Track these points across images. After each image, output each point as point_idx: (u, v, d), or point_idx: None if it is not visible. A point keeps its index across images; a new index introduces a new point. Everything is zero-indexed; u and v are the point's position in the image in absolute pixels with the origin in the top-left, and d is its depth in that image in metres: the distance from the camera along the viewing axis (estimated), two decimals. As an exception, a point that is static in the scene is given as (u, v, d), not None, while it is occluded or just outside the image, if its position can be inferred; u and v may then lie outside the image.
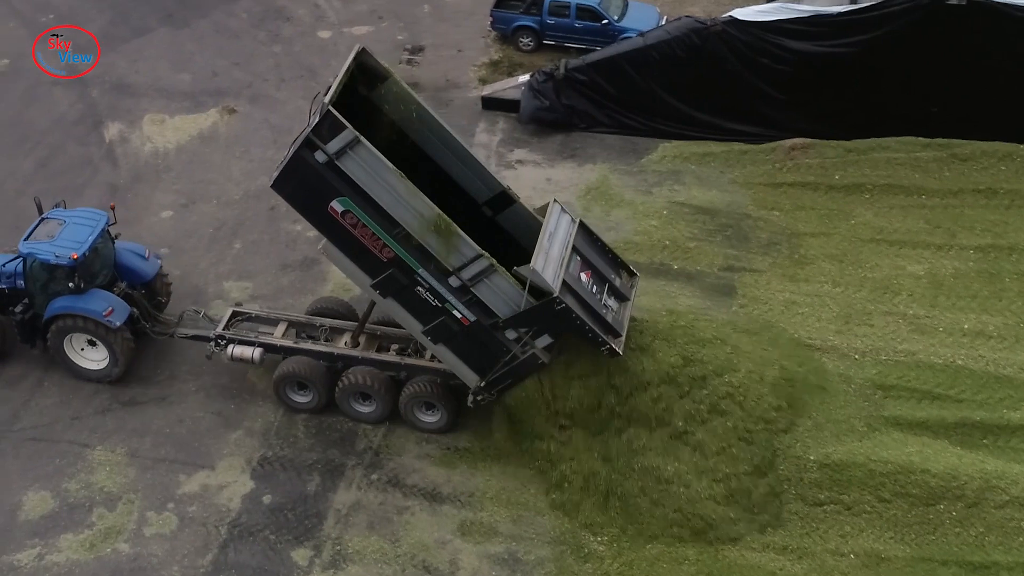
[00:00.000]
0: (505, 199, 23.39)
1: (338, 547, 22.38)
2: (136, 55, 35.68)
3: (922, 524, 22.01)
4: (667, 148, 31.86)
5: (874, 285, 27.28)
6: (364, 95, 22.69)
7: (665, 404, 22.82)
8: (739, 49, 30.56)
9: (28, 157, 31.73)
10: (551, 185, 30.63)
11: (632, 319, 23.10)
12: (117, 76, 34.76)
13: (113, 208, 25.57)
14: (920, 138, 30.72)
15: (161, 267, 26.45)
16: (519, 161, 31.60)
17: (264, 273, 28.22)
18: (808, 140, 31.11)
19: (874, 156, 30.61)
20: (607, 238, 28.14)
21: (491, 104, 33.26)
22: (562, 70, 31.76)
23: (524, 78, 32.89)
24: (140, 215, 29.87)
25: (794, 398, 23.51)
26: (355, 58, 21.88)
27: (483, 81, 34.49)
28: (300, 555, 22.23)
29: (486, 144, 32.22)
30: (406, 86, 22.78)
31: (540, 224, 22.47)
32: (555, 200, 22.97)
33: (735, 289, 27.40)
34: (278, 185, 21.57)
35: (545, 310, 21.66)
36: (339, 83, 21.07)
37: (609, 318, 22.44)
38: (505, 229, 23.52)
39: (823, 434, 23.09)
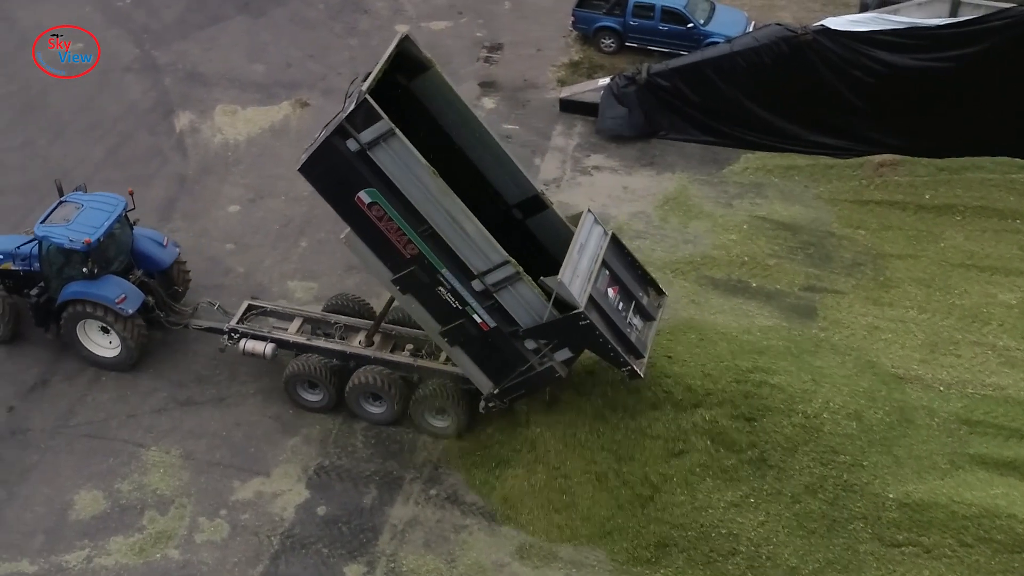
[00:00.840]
0: (538, 203, 22.64)
1: (392, 564, 21.66)
2: (211, 43, 35.21)
3: (1006, 573, 20.69)
4: (750, 159, 30.76)
5: (962, 313, 25.99)
6: (403, 84, 21.97)
7: (732, 432, 22.05)
8: (830, 60, 29.35)
9: (98, 144, 31.36)
10: (627, 193, 29.68)
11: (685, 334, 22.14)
12: (191, 64, 34.32)
13: (132, 193, 25.02)
14: (1017, 159, 29.35)
15: (179, 255, 25.93)
16: (595, 167, 30.65)
17: (329, 274, 27.56)
18: (898, 157, 29.86)
19: (967, 176, 29.28)
20: (684, 251, 27.57)
21: (569, 107, 32.32)
22: (644, 75, 30.76)
23: (604, 81, 31.92)
24: (207, 208, 29.39)
25: (873, 431, 22.41)
26: (397, 45, 21.04)
27: (562, 82, 33.55)
28: (353, 571, 21.54)
29: (562, 148, 31.32)
30: (447, 78, 21.92)
31: (571, 233, 21.78)
32: (589, 210, 22.19)
33: (815, 311, 26.27)
34: (306, 169, 20.82)
35: (568, 324, 20.95)
36: (379, 70, 20.27)
37: (633, 337, 21.69)
38: (534, 234, 22.82)
39: (903, 471, 21.93)
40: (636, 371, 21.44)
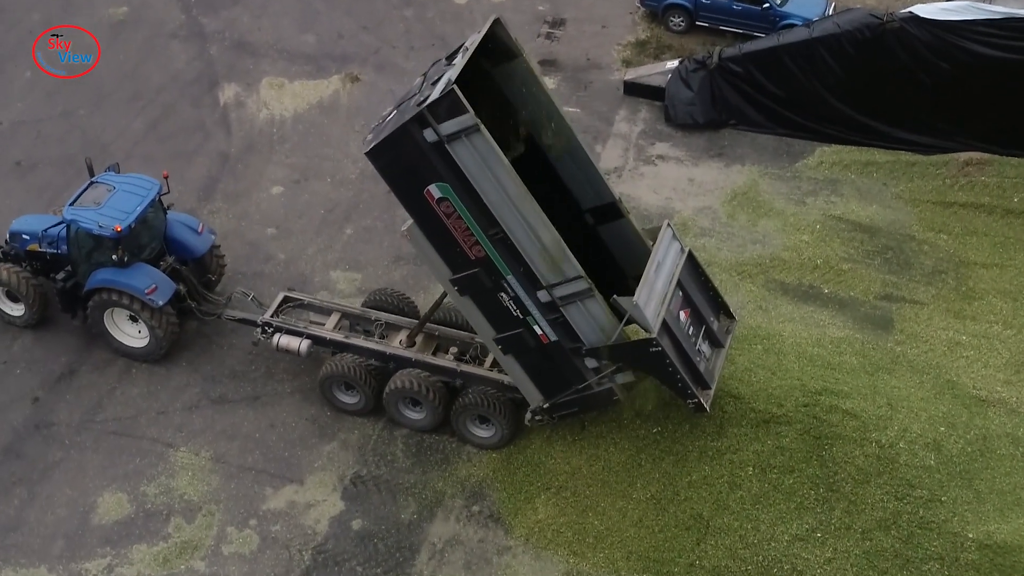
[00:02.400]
0: (613, 211, 21.08)
1: (430, 588, 20.37)
2: (261, 11, 33.56)
3: (1097, 627, 19.10)
4: (825, 153, 28.78)
5: (1053, 330, 24.09)
6: (487, 70, 20.32)
7: (799, 460, 20.60)
8: (917, 50, 27.26)
9: (139, 116, 29.97)
10: (693, 186, 27.89)
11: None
12: (239, 33, 32.72)
13: (167, 177, 23.71)
14: (1115, 163, 27.23)
15: (215, 242, 24.60)
16: (660, 156, 28.83)
17: (375, 265, 26.09)
18: (985, 155, 27.86)
19: (1061, 179, 27.24)
20: (752, 252, 25.91)
21: (634, 90, 30.46)
22: (715, 59, 28.85)
23: (672, 64, 30.00)
24: (249, 189, 27.98)
25: (953, 463, 20.72)
26: (488, 29, 19.43)
27: (627, 63, 31.61)
28: (388, 593, 20.28)
29: (625, 135, 29.52)
30: (535, 69, 20.30)
31: (642, 245, 20.41)
32: (668, 224, 20.56)
33: (892, 322, 24.52)
34: (375, 153, 19.22)
35: (638, 350, 19.54)
36: (468, 57, 18.68)
37: (702, 367, 20.23)
38: (605, 242, 21.34)
39: (985, 507, 20.24)
40: (703, 404, 19.98)
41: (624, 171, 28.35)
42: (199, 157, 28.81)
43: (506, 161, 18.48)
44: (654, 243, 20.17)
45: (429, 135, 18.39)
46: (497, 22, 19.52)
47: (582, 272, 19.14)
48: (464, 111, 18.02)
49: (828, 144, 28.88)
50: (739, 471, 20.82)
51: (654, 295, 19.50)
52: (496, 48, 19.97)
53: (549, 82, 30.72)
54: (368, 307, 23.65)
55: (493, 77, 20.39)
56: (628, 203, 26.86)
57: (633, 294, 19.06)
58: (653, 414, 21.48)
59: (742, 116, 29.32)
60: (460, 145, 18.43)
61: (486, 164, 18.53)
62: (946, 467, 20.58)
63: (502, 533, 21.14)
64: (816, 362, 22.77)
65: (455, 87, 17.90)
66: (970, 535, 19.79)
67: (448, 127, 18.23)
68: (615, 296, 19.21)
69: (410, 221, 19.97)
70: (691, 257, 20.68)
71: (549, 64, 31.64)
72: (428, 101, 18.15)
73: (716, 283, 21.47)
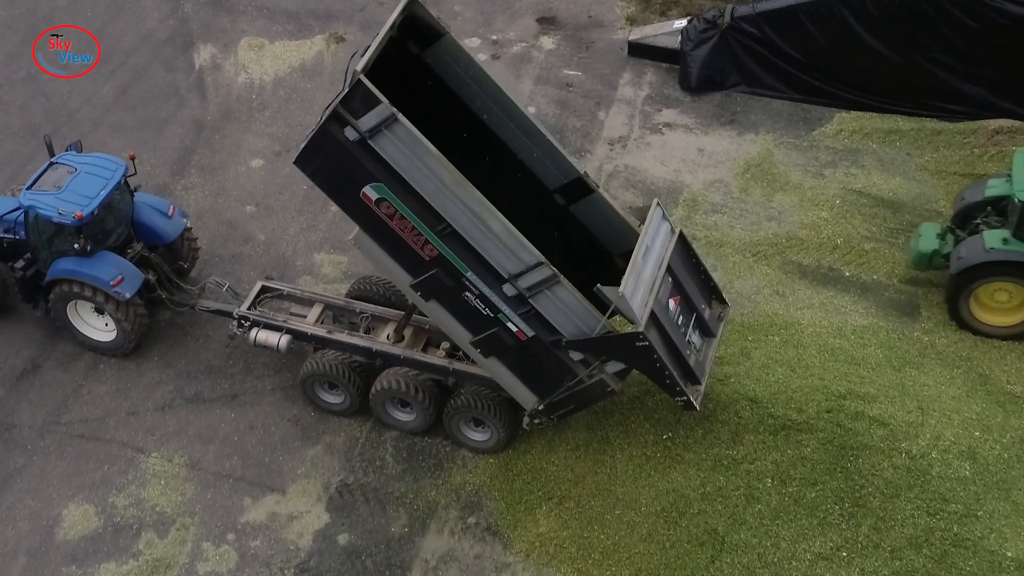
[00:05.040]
0: (581, 187, 19.46)
1: (423, 610, 18.81)
2: (240, -39, 31.42)
3: None
4: (845, 120, 26.77)
5: (1092, 315, 22.34)
6: (416, 54, 18.92)
7: (821, 473, 19.00)
8: (945, 9, 25.22)
9: (108, 81, 27.85)
10: (704, 157, 25.95)
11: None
12: (216, -13, 30.62)
13: (133, 158, 21.93)
14: None
15: (187, 226, 22.81)
16: (667, 124, 26.84)
17: (361, 247, 24.24)
18: (1016, 123, 25.83)
19: (1099, 149, 25.31)
20: (767, 230, 24.30)
21: (639, 51, 28.39)
22: (727, 19, 26.80)
23: (680, 24, 27.91)
24: (226, 162, 26.01)
25: (989, 472, 19.09)
26: (402, 11, 17.94)
27: (631, 21, 29.44)
28: (377, 617, 18.69)
29: (630, 100, 27.48)
30: (463, 46, 18.78)
31: (621, 219, 19.01)
32: (657, 203, 18.73)
33: (918, 309, 22.77)
34: (302, 162, 17.96)
35: (623, 344, 17.97)
36: (378, 44, 17.26)
37: (692, 361, 18.63)
38: (581, 222, 19.78)
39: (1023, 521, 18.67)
40: (692, 402, 18.42)
41: (629, 141, 26.39)
42: (172, 126, 26.81)
43: (434, 149, 17.05)
44: (642, 224, 18.47)
45: (350, 133, 17.17)
46: (412, 2, 18.00)
47: (542, 258, 17.57)
48: (378, 101, 16.73)
49: (847, 111, 26.88)
50: (757, 483, 19.17)
51: (641, 283, 17.81)
52: (421, 29, 18.53)
53: (548, 42, 29.03)
54: (353, 297, 21.86)
55: (425, 61, 18.96)
56: (634, 176, 25.36)
57: (621, 277, 17.47)
58: (663, 418, 19.90)
59: (755, 80, 27.33)
60: (383, 139, 17.13)
61: (414, 155, 17.18)
62: (982, 477, 18.95)
63: (500, 548, 19.53)
64: (838, 356, 21.09)
65: (362, 77, 16.64)
66: (1008, 553, 18.19)
67: (367, 121, 16.97)
68: (599, 286, 17.50)
69: (356, 229, 18.65)
70: (682, 238, 18.98)
71: (548, 22, 29.56)
72: (340, 96, 16.94)
73: (707, 266, 19.74)
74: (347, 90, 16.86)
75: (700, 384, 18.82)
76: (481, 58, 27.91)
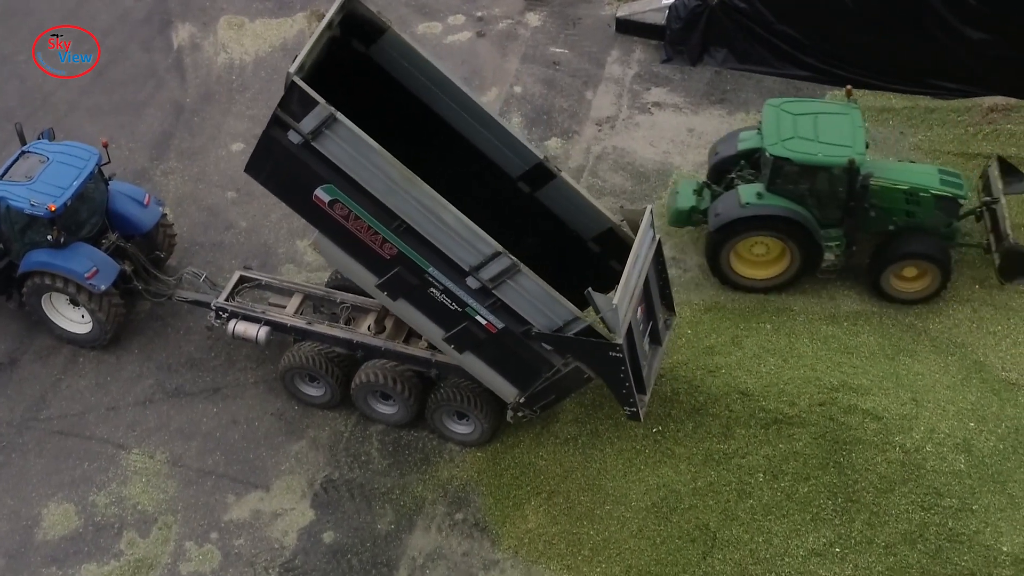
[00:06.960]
0: (543, 172, 19.20)
1: (410, 609, 18.51)
2: (218, -63, 30.71)
3: None
4: (837, 98, 26.08)
5: (1090, 298, 22.00)
6: (362, 52, 18.67)
7: (813, 467, 18.78)
8: (938, -16, 24.77)
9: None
10: (693, 138, 25.44)
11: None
12: (195, -37, 29.92)
13: (106, 145, 21.42)
14: None
15: (164, 215, 22.40)
16: (656, 103, 26.29)
17: (344, 233, 23.75)
18: (1012, 100, 25.31)
19: (1097, 127, 24.83)
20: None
21: (627, 27, 27.82)
22: (716, -7, 26.30)
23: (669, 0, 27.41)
24: (206, 145, 25.47)
25: (985, 464, 18.83)
26: (339, 9, 17.74)
27: (619, -4, 28.97)
28: (363, 617, 18.38)
29: (618, 79, 26.92)
30: (407, 40, 18.47)
31: (588, 202, 19.11)
32: (650, 209, 18.41)
33: (913, 294, 22.41)
34: (252, 169, 18.02)
35: (596, 349, 17.80)
36: (312, 44, 17.16)
37: (644, 371, 18.60)
38: (549, 209, 19.55)
39: (1020, 515, 18.39)
40: (639, 413, 18.41)
41: (618, 121, 25.86)
42: (150, 108, 26.24)
43: (377, 146, 16.88)
44: (636, 231, 18.24)
45: (294, 137, 17.04)
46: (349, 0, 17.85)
47: (500, 248, 17.36)
48: (315, 103, 16.54)
49: (839, 88, 26.38)
50: (748, 478, 18.92)
51: (627, 295, 17.60)
52: (363, 26, 18.28)
53: (534, 19, 28.45)
54: (333, 287, 21.41)
55: (371, 58, 18.70)
56: (622, 158, 24.87)
57: (596, 262, 17.55)
58: (653, 411, 19.56)
59: (746, 57, 26.81)
60: (326, 139, 17.01)
61: (359, 153, 17.04)
62: (977, 470, 18.70)
63: (488, 544, 19.22)
64: (831, 344, 20.77)
65: (296, 79, 16.48)
66: (1004, 548, 17.98)
67: (307, 123, 16.86)
68: (590, 291, 17.16)
69: (316, 233, 18.51)
70: (659, 247, 18.81)
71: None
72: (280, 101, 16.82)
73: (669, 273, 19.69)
74: (284, 93, 16.66)
75: (646, 394, 18.73)
76: (465, 36, 27.58)
